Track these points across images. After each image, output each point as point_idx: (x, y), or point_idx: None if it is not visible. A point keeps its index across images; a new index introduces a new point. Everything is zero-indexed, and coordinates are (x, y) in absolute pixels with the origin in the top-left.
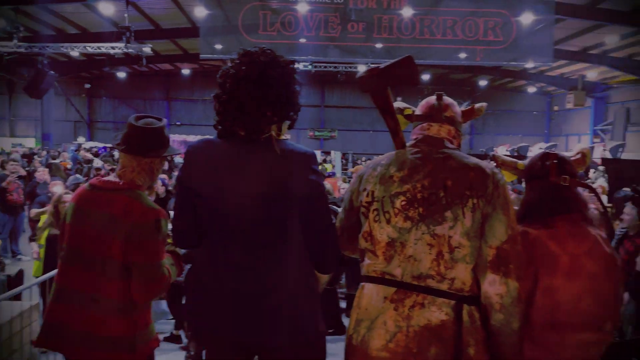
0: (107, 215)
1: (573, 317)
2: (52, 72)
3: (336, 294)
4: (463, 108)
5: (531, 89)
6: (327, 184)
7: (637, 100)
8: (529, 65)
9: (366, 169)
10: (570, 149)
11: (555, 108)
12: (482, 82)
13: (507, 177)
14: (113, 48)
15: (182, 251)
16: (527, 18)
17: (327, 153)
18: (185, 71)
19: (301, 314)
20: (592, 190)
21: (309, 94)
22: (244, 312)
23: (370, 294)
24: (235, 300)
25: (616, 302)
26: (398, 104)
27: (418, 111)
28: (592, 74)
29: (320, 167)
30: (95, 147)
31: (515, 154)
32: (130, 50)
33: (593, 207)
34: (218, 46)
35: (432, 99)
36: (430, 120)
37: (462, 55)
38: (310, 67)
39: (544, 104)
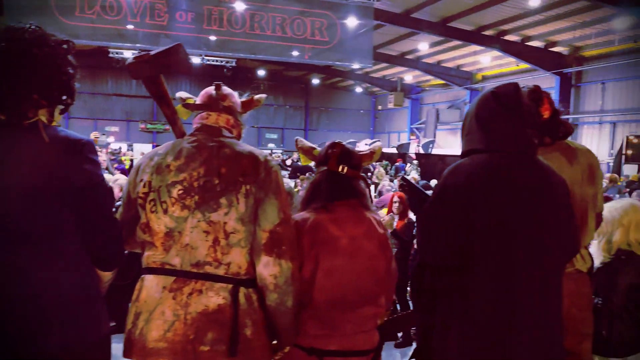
0: None
1: (353, 294)
2: None
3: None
4: (243, 99)
5: (358, 89)
6: None
7: (445, 102)
8: (355, 66)
9: (143, 159)
10: (392, 145)
11: (379, 107)
12: (315, 81)
13: (304, 160)
14: None
15: None
16: (351, 22)
17: None
18: None
19: (77, 315)
20: (366, 182)
21: (139, 84)
22: (9, 318)
23: (149, 285)
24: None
25: (389, 278)
26: (180, 93)
27: (198, 101)
28: (409, 77)
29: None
30: None
31: None
32: None
33: (398, 199)
34: None
35: (211, 89)
36: (208, 110)
37: (295, 53)
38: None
39: (369, 103)
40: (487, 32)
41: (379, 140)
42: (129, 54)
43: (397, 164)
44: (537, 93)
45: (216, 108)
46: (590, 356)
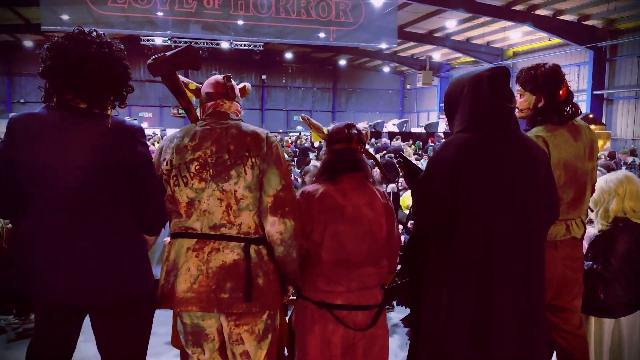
0: None
1: (356, 255)
2: None
3: None
4: (239, 87)
5: (386, 69)
6: None
7: None
8: (383, 45)
9: (164, 142)
10: (421, 125)
11: (408, 86)
12: (343, 62)
13: (315, 137)
14: None
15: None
16: (375, 1)
17: None
18: (28, 43)
19: (130, 271)
20: (375, 158)
21: None
22: (75, 276)
23: (176, 247)
24: (66, 265)
25: (391, 243)
26: (182, 79)
27: (210, 89)
28: (437, 55)
29: None
30: None
31: (373, 130)
32: None
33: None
34: (65, 17)
35: (221, 79)
36: (225, 98)
37: (322, 35)
38: (170, 42)
39: (397, 83)
40: (518, 7)
41: (407, 120)
42: (159, 41)
43: (429, 144)
44: (558, 74)
45: (231, 97)
46: (579, 312)
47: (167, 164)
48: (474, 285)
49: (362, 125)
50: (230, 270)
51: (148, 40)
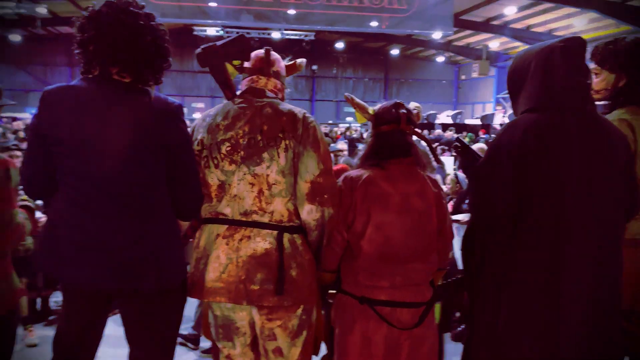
0: None
1: (402, 249)
2: None
3: None
4: (286, 63)
5: (440, 59)
6: None
7: None
8: (437, 35)
9: (198, 121)
10: (477, 117)
11: (463, 77)
12: (395, 51)
13: (359, 119)
14: (2, 8)
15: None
16: None
17: None
18: None
19: (167, 261)
20: (427, 141)
21: None
22: (112, 261)
23: (207, 233)
24: (102, 248)
25: (442, 237)
26: None
27: (248, 64)
28: (495, 44)
29: None
30: None
31: (425, 122)
32: (22, 10)
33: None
34: None
35: (261, 53)
36: (260, 74)
37: (374, 23)
38: (222, 32)
39: (452, 73)
40: None
41: (461, 111)
42: (212, 32)
43: (481, 136)
44: None
45: (267, 73)
46: None
47: (198, 144)
48: (540, 284)
49: (413, 105)
50: (261, 260)
51: (201, 31)
